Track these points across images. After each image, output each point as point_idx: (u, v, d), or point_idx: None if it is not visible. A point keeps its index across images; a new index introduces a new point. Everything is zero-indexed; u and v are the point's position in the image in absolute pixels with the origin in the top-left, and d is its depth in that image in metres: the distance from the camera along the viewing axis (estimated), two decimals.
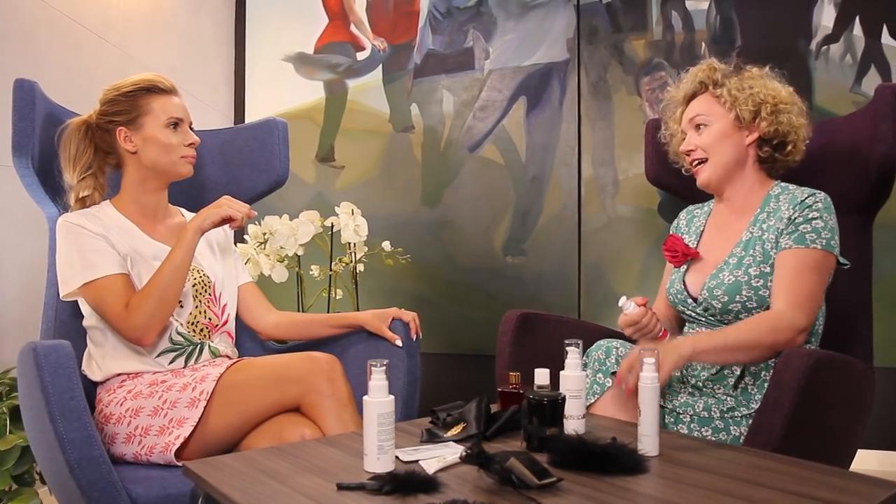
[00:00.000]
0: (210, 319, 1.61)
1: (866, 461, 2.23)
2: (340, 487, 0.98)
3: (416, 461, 1.08)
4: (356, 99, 2.88)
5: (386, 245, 2.39)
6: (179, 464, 1.33)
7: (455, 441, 1.20)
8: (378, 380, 1.06)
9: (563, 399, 1.15)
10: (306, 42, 2.93)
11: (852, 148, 1.64)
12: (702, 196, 1.78)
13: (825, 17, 2.40)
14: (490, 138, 2.73)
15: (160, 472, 1.29)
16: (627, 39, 2.60)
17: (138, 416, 1.39)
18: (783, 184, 1.58)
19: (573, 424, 1.20)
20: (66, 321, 1.55)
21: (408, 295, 2.77)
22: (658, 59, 2.56)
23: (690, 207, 1.80)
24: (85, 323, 1.53)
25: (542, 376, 1.29)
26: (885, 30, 2.35)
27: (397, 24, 2.84)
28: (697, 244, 1.67)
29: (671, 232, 1.78)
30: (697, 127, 1.60)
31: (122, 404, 1.42)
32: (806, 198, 1.49)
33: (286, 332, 1.74)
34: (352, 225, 2.26)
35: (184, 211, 1.74)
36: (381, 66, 2.86)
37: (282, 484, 0.99)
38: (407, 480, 0.97)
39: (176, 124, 1.59)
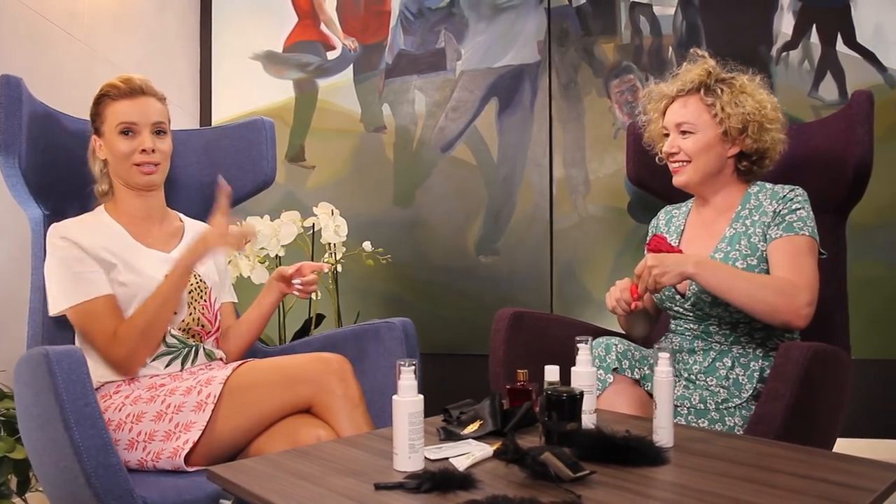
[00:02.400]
0: (203, 326, 1.58)
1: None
2: (378, 487, 0.98)
3: (446, 458, 1.09)
4: (327, 98, 2.86)
5: (366, 245, 2.39)
6: (190, 469, 1.31)
7: (474, 438, 1.21)
8: (407, 379, 1.06)
9: (582, 394, 1.18)
10: (275, 40, 2.89)
11: (828, 150, 1.73)
12: (682, 196, 1.84)
13: (784, 25, 2.51)
14: (462, 139, 2.75)
15: (171, 479, 1.27)
16: (597, 43, 2.66)
17: (140, 421, 1.36)
18: (759, 182, 1.65)
19: (587, 419, 1.23)
20: (55, 326, 1.50)
21: (380, 294, 2.77)
22: (627, 63, 2.63)
23: (668, 207, 1.85)
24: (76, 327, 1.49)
25: (551, 373, 1.32)
26: (839, 38, 2.47)
27: (368, 24, 2.84)
28: (679, 243, 1.72)
29: (651, 231, 1.84)
30: (683, 132, 1.62)
31: (121, 410, 1.38)
32: (787, 192, 1.57)
33: (236, 342, 1.70)
34: (332, 225, 2.25)
35: (182, 216, 1.70)
36: (351, 65, 2.84)
37: (317, 486, 0.99)
38: (443, 478, 0.98)
39: (127, 130, 1.53)
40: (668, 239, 1.72)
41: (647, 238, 1.82)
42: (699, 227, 1.72)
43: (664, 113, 1.69)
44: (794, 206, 1.55)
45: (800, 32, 2.50)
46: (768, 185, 1.63)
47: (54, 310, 1.45)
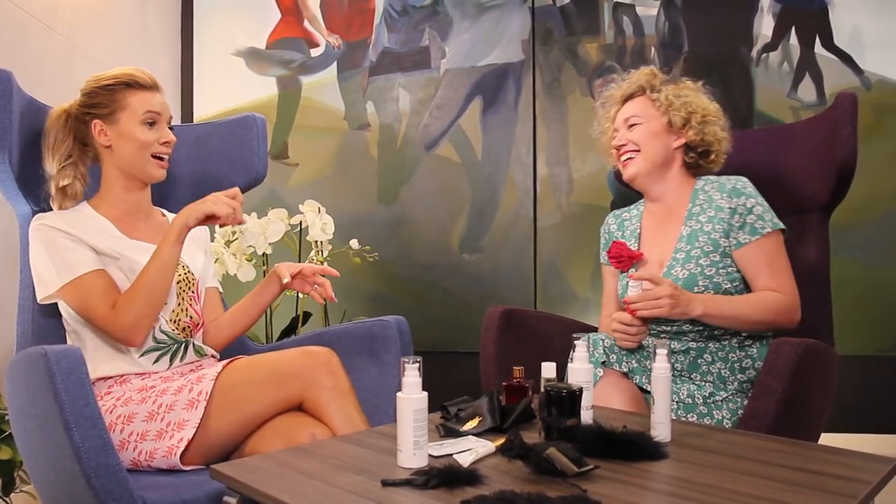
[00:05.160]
0: (191, 318, 1.57)
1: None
2: (386, 484, 0.98)
3: (449, 455, 1.10)
4: (310, 96, 2.85)
5: (353, 243, 2.38)
6: (186, 468, 1.30)
7: (474, 434, 1.22)
8: (412, 376, 1.07)
9: (581, 391, 1.19)
10: (258, 37, 2.87)
11: (812, 150, 1.76)
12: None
13: (764, 27, 2.56)
14: (446, 137, 2.76)
15: (169, 478, 1.25)
16: (581, 42, 2.68)
17: (132, 422, 1.34)
18: (704, 176, 1.71)
19: (585, 415, 1.25)
20: (44, 324, 1.48)
21: (364, 293, 2.76)
22: (610, 62, 2.66)
23: (617, 212, 1.88)
24: (66, 326, 1.47)
25: (548, 370, 1.33)
26: (817, 40, 2.52)
27: (352, 21, 2.83)
28: (638, 246, 1.75)
29: (603, 237, 1.88)
30: (631, 126, 1.70)
31: (111, 412, 1.37)
32: (734, 184, 1.62)
33: (228, 331, 1.68)
34: (318, 223, 2.24)
35: (165, 212, 1.69)
36: (335, 63, 2.84)
37: (325, 483, 0.99)
38: (450, 474, 0.99)
39: (153, 122, 1.53)
40: (628, 244, 1.75)
41: (602, 244, 1.86)
42: (654, 227, 1.75)
43: (613, 119, 1.78)
44: (748, 204, 1.59)
45: (779, 34, 2.55)
46: (712, 178, 1.69)
47: (45, 292, 1.42)
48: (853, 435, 2.36)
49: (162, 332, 1.50)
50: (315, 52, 2.85)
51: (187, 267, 1.59)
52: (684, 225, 1.66)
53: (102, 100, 1.52)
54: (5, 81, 1.42)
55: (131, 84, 1.52)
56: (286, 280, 1.64)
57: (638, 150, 1.68)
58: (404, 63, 2.79)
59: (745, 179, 1.63)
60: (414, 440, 1.05)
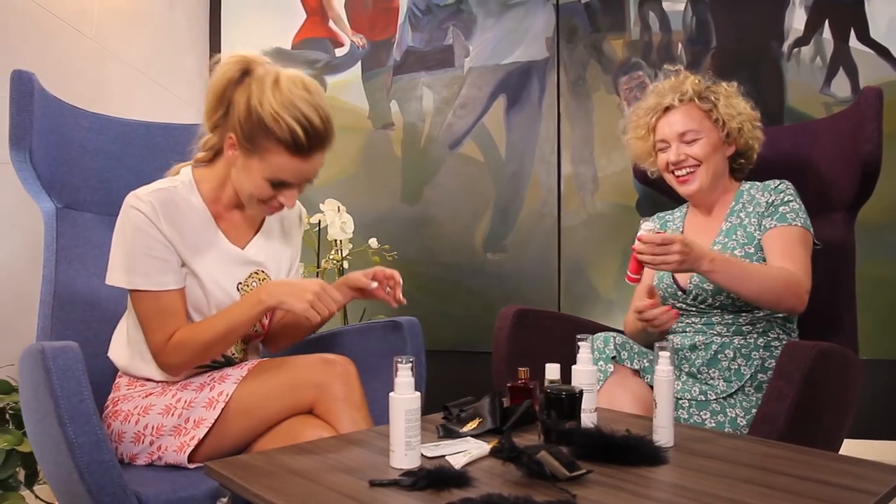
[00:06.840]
0: (256, 330, 1.53)
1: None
2: (373, 484, 0.98)
3: (442, 456, 1.09)
4: (335, 95, 2.86)
5: (373, 242, 2.39)
6: (191, 466, 1.31)
7: (472, 436, 1.21)
8: (404, 376, 1.06)
9: (581, 393, 1.17)
10: (283, 37, 2.89)
11: (838, 147, 1.71)
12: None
13: (796, 21, 2.48)
14: (470, 135, 2.75)
15: (169, 475, 1.27)
16: (606, 39, 2.64)
17: (147, 413, 1.35)
18: (749, 181, 1.72)
19: (587, 417, 1.23)
20: (64, 319, 1.51)
21: None
22: (636, 59, 2.61)
23: (661, 214, 1.88)
24: (129, 310, 1.44)
25: (552, 371, 1.31)
26: (852, 34, 2.43)
27: (376, 21, 2.83)
28: None
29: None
30: (690, 141, 1.66)
31: (130, 400, 1.38)
32: (777, 184, 1.64)
33: (292, 333, 1.63)
34: (338, 222, 2.25)
35: None
36: (360, 62, 2.85)
37: (312, 482, 0.99)
38: (439, 476, 0.98)
39: (279, 184, 1.38)
40: None
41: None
42: (697, 225, 1.75)
43: (653, 129, 1.73)
44: (786, 198, 1.61)
45: (812, 28, 2.47)
46: (757, 183, 1.69)
47: (113, 281, 1.35)
48: (886, 442, 2.27)
49: (223, 355, 1.47)
50: (340, 52, 2.87)
51: (269, 279, 1.52)
52: (725, 221, 1.67)
53: (252, 130, 1.32)
54: (27, 82, 1.46)
55: (286, 142, 1.31)
56: (374, 286, 1.57)
57: (699, 165, 1.66)
58: (428, 62, 2.79)
59: (788, 182, 1.64)
60: (406, 440, 1.05)
